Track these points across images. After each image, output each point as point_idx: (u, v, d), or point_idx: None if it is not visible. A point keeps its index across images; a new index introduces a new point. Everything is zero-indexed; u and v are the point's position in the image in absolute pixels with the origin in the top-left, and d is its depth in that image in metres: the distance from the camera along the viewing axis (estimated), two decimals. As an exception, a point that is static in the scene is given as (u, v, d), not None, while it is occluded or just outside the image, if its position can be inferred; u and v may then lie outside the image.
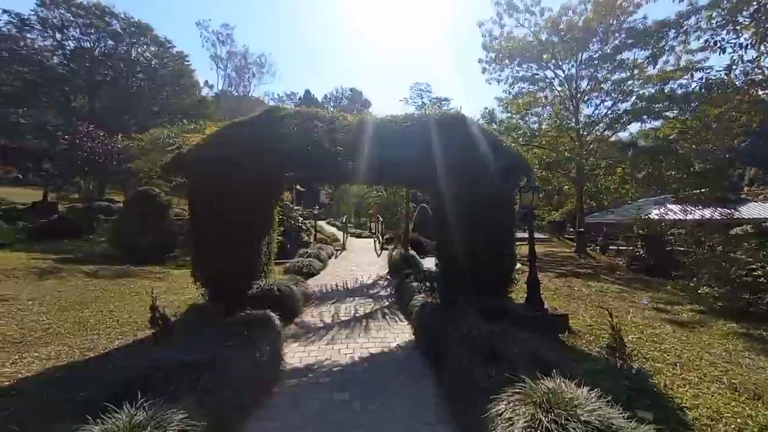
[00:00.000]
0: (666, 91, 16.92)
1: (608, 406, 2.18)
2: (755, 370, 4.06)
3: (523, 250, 7.28)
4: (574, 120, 19.61)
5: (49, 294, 7.05)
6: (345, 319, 5.72)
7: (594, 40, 17.53)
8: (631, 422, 2.09)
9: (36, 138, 29.18)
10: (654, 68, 16.20)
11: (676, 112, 17.35)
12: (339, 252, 14.69)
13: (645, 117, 17.17)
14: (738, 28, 12.08)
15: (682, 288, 7.81)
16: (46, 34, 29.46)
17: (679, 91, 16.43)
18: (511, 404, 2.21)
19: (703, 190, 15.64)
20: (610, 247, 24.27)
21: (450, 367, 3.36)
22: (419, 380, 3.71)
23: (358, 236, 21.64)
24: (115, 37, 32.20)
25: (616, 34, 17.78)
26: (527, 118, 21.18)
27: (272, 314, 4.63)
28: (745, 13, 11.58)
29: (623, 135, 20.92)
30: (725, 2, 14.30)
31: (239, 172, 5.73)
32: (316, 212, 21.62)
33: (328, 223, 27.04)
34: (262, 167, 5.89)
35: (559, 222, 31.66)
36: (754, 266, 6.58)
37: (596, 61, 17.54)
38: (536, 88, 20.59)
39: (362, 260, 12.70)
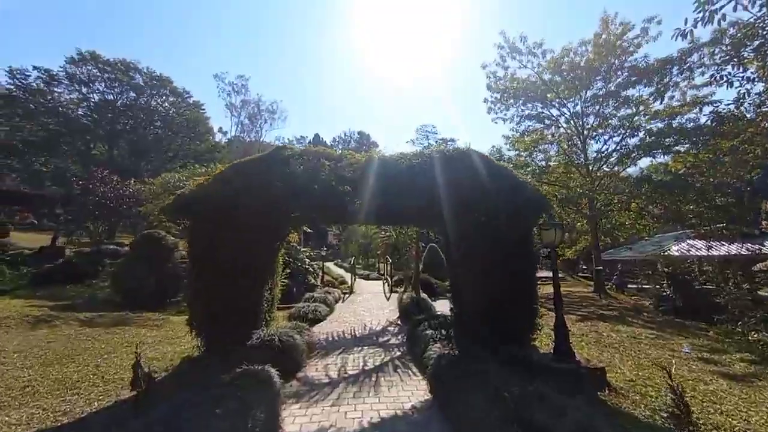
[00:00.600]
0: (674, 125, 16.87)
1: None
2: None
3: (543, 290, 6.72)
4: (582, 156, 19.51)
5: (38, 345, 6.62)
6: (353, 373, 5.13)
7: (597, 78, 17.82)
8: None
9: (56, 185, 30.11)
10: (661, 103, 16.24)
11: (686, 146, 17.17)
12: (347, 295, 14.09)
13: (655, 151, 16.94)
14: (744, 62, 12.09)
15: (727, 334, 7.04)
16: (72, 88, 31.30)
17: (689, 125, 16.37)
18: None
19: (725, 225, 14.98)
20: (628, 285, 23.16)
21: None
22: (440, 455, 3.12)
23: (367, 278, 21.00)
24: (137, 90, 34.14)
25: (618, 73, 18.12)
26: (534, 155, 21.17)
27: (271, 370, 4.14)
28: (748, 48, 11.63)
29: (632, 170, 20.70)
30: (727, 39, 14.57)
31: (243, 211, 5.48)
32: (323, 254, 21.24)
33: (335, 264, 26.53)
34: (268, 207, 5.65)
35: (572, 260, 30.65)
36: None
37: (601, 99, 17.71)
38: (542, 126, 20.76)
39: (371, 304, 12.07)
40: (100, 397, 4.48)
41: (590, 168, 19.10)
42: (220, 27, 72.77)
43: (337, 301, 11.83)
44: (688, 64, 16.08)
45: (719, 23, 6.31)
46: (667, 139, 16.42)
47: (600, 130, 19.08)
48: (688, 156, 16.66)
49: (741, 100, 11.45)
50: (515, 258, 5.54)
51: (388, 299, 13.13)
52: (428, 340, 5.45)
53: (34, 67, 29.46)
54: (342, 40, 79.10)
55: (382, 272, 21.18)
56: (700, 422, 3.41)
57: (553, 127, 21.06)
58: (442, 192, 5.83)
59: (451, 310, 6.58)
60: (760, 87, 11.39)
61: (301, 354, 5.35)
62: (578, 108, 19.30)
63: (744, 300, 8.37)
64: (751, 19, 10.18)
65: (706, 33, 15.95)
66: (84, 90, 31.86)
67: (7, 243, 17.93)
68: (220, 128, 53.29)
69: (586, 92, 18.99)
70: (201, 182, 5.57)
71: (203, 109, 38.70)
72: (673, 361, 5.54)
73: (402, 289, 13.51)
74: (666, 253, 19.62)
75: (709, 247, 14.69)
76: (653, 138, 16.79)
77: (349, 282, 16.12)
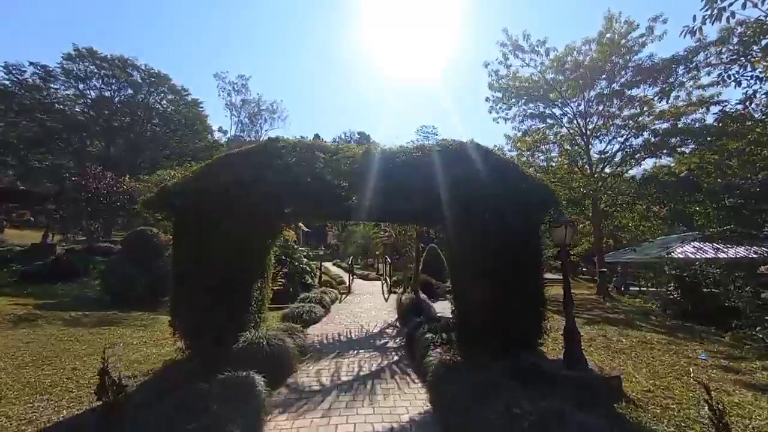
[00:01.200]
0: (680, 126, 16.54)
1: None
2: None
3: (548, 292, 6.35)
4: (585, 157, 19.18)
5: (16, 346, 6.26)
6: (347, 379, 4.77)
7: (601, 77, 17.50)
8: None
9: (52, 182, 29.77)
10: (667, 103, 15.90)
11: (691, 147, 16.84)
12: (344, 296, 13.73)
13: (661, 152, 16.61)
14: (752, 61, 11.74)
15: (745, 339, 6.68)
16: (69, 84, 30.97)
17: (696, 126, 16.04)
18: None
19: (732, 227, 14.62)
20: (630, 288, 22.82)
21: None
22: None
23: (365, 278, 20.64)
24: (135, 87, 33.82)
25: (623, 72, 17.79)
26: (536, 156, 20.84)
27: (256, 377, 3.78)
28: (755, 47, 11.31)
29: (635, 172, 20.37)
30: (734, 37, 14.23)
31: (231, 206, 5.12)
32: (321, 253, 20.87)
33: (334, 264, 26.17)
34: (258, 201, 5.29)
35: (572, 262, 30.33)
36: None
37: (605, 98, 17.37)
38: (545, 125, 20.43)
39: (369, 305, 11.71)
40: (71, 404, 4.12)
41: (593, 168, 18.78)
42: (220, 27, 72.50)
43: (333, 302, 11.47)
44: (694, 63, 15.76)
45: (728, 20, 6.02)
46: (672, 140, 16.11)
47: (603, 130, 18.77)
48: (692, 157, 16.33)
49: (748, 100, 11.13)
50: (522, 257, 5.19)
51: (386, 300, 12.77)
52: (428, 344, 5.09)
53: (31, 63, 29.22)
54: (343, 40, 78.90)
55: (380, 272, 20.83)
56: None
57: (555, 126, 20.75)
58: (443, 187, 5.47)
59: (452, 312, 6.21)
60: (768, 86, 11.04)
61: (292, 358, 4.99)
62: (581, 107, 18.98)
63: (757, 303, 8.03)
64: (761, 17, 9.86)
65: (713, 32, 15.59)
66: (81, 86, 31.56)
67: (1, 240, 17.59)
68: (220, 127, 52.99)
69: (589, 92, 18.68)
70: (187, 174, 5.21)
71: (202, 107, 38.44)
72: (690, 369, 5.18)
73: (401, 290, 13.14)
74: (670, 256, 19.29)
75: (717, 250, 14.30)
76: (658, 138, 16.48)
77: (347, 282, 15.75)
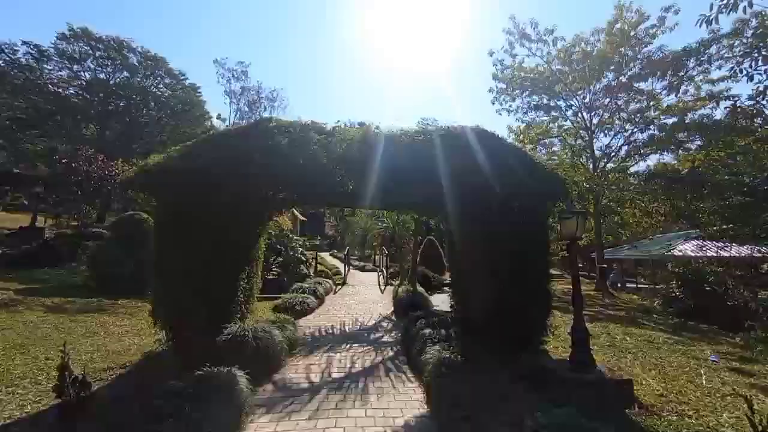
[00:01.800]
0: (687, 121, 16.14)
1: None
2: None
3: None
4: (589, 151, 18.81)
5: (-9, 332, 5.92)
6: (338, 376, 4.46)
7: (609, 69, 17.00)
8: None
9: (45, 165, 29.15)
10: (675, 96, 15.48)
11: (697, 143, 16.48)
12: (339, 286, 13.43)
13: (667, 147, 16.24)
14: (765, 54, 11.31)
15: (758, 340, 6.42)
16: (62, 65, 30.15)
17: (704, 121, 15.65)
18: None
19: (737, 225, 14.35)
20: (627, 284, 22.66)
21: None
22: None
23: (362, 269, 20.36)
24: (131, 69, 32.95)
25: (631, 65, 17.33)
26: (538, 150, 20.44)
27: (238, 374, 3.47)
28: (769, 40, 10.92)
29: (637, 168, 20.00)
30: (749, 30, 13.76)
31: (216, 188, 4.75)
32: (318, 243, 20.54)
33: (331, 255, 25.89)
34: (245, 184, 4.92)
35: (567, 257, 30.13)
36: None
37: (614, 90, 16.91)
38: (549, 118, 20.00)
39: (364, 297, 11.42)
40: (38, 398, 3.78)
41: (596, 164, 18.41)
42: (221, 14, 70.88)
43: (328, 293, 11.17)
44: (706, 56, 15.31)
45: (744, 11, 5.67)
46: (680, 135, 15.72)
47: (609, 124, 18.34)
48: (697, 154, 15.96)
49: (760, 95, 10.72)
50: (528, 250, 4.86)
51: (382, 292, 12.48)
52: (426, 340, 4.78)
53: (24, 42, 28.31)
54: (345, 30, 77.43)
55: (377, 264, 20.56)
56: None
57: (559, 120, 20.33)
58: (446, 174, 5.11)
59: (451, 306, 5.92)
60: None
61: (280, 352, 4.67)
62: (587, 100, 18.53)
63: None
64: (777, 9, 9.41)
65: (727, 24, 15.11)
66: (75, 68, 30.68)
67: (-14, 222, 17.16)
68: (219, 115, 51.94)
69: (596, 84, 18.22)
70: (170, 153, 4.82)
71: (199, 93, 37.58)
72: (702, 371, 4.90)
73: (398, 282, 12.86)
74: (670, 253, 19.07)
75: (720, 248, 14.05)
76: (665, 133, 16.09)
77: (343, 272, 15.45)
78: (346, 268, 16.06)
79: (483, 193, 4.97)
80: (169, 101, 35.26)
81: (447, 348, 4.38)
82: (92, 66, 31.38)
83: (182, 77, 35.91)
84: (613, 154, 18.03)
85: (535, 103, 19.74)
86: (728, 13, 5.65)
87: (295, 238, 15.45)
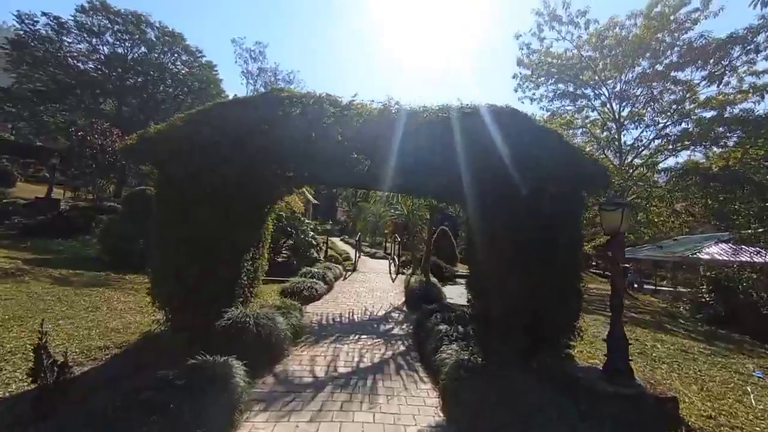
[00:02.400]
0: (726, 115, 15.02)
1: None
2: None
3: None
4: (616, 144, 17.86)
5: (-7, 302, 5.78)
6: (344, 371, 4.11)
7: (646, 56, 15.89)
8: None
9: (67, 139, 29.54)
10: (718, 87, 14.37)
11: (734, 140, 15.36)
12: (349, 273, 13.14)
13: (705, 142, 15.19)
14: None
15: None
16: (81, 38, 30.13)
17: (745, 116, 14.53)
18: None
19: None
20: (644, 286, 21.82)
21: None
22: None
23: (373, 256, 20.08)
24: (148, 45, 32.80)
25: (668, 53, 16.19)
26: (562, 140, 19.52)
27: (235, 364, 3.13)
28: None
29: (666, 165, 18.93)
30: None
31: (223, 162, 4.37)
32: (329, 228, 20.25)
33: (342, 240, 25.67)
34: (254, 158, 4.53)
35: (585, 255, 29.19)
36: None
37: (650, 78, 15.83)
38: (574, 108, 19.03)
39: (375, 285, 11.09)
40: (23, 378, 3.54)
41: (623, 158, 17.47)
42: (240, -13, 69.80)
43: (337, 279, 10.87)
44: (753, 45, 14.12)
45: None
46: (719, 129, 14.65)
47: (639, 116, 17.29)
48: (733, 152, 14.85)
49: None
50: (559, 244, 4.37)
51: (393, 280, 12.14)
52: (441, 338, 4.39)
53: (43, 14, 28.33)
54: (362, 15, 75.53)
55: (389, 251, 20.22)
56: None
57: (585, 110, 19.32)
58: (471, 156, 4.62)
59: (469, 301, 5.49)
60: None
61: (283, 341, 4.35)
62: (617, 89, 17.48)
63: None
64: None
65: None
66: (94, 41, 30.67)
67: (5, 192, 17.38)
68: (235, 95, 51.86)
69: (628, 72, 17.14)
70: (172, 122, 4.45)
71: (216, 71, 37.27)
72: (749, 389, 4.39)
73: (410, 271, 12.49)
74: (695, 256, 18.15)
75: (756, 253, 13.18)
76: (702, 127, 15.03)
77: (354, 259, 15.15)
78: (357, 255, 15.75)
79: (510, 179, 4.47)
80: (186, 78, 35.15)
81: (465, 348, 3.99)
82: (110, 40, 31.34)
83: (199, 54, 35.65)
84: (642, 148, 17.05)
85: (561, 91, 18.79)
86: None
87: (306, 221, 15.18)
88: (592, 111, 18.67)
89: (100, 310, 5.99)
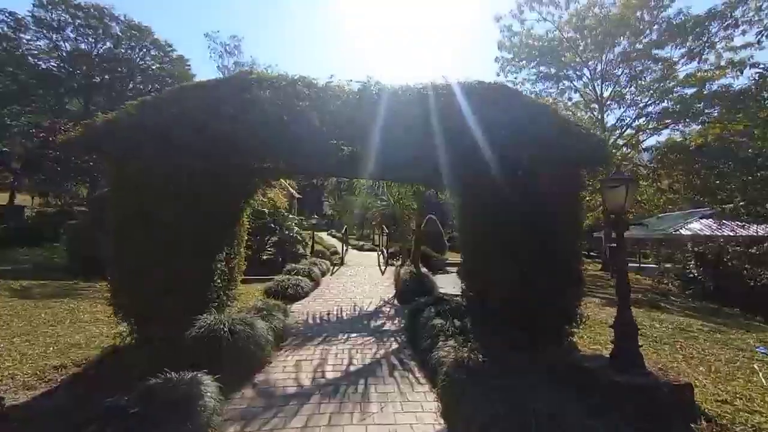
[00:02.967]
0: (705, 92, 15.09)
1: None
2: None
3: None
4: (599, 125, 17.81)
5: (-64, 322, 5.19)
6: (333, 377, 3.75)
7: (627, 34, 15.77)
8: None
9: (32, 142, 27.92)
10: (698, 63, 14.39)
11: (715, 116, 15.47)
12: (337, 267, 12.75)
13: (684, 119, 15.25)
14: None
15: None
16: (41, 35, 28.40)
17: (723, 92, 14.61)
18: None
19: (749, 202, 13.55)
20: (629, 264, 22.07)
21: None
22: None
23: (360, 248, 19.70)
24: (114, 40, 31.17)
25: (647, 31, 16.12)
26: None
27: (204, 380, 2.74)
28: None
29: (648, 144, 19.03)
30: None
31: (183, 151, 3.90)
32: (314, 222, 19.75)
33: (329, 234, 25.17)
34: (218, 149, 4.06)
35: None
36: None
37: (632, 56, 15.73)
38: (557, 90, 18.88)
39: (363, 278, 10.74)
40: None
41: (607, 138, 17.45)
42: (210, -22, 66.83)
43: (324, 274, 10.47)
44: (732, 19, 14.14)
45: None
46: (698, 105, 14.71)
47: (621, 97, 17.25)
48: (712, 128, 14.93)
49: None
50: (558, 226, 4.08)
51: (383, 273, 11.81)
52: (437, 333, 4.07)
53: (-1, 10, 26.52)
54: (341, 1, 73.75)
55: (376, 243, 19.89)
56: None
57: (568, 92, 19.21)
58: (459, 137, 4.27)
59: (463, 292, 5.18)
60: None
61: (264, 348, 3.94)
62: (599, 70, 17.37)
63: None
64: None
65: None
66: (54, 37, 28.97)
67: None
68: (209, 89, 50.02)
69: (609, 52, 17.02)
70: (125, 109, 3.93)
71: (188, 65, 35.80)
72: (756, 366, 4.23)
73: (399, 262, 12.17)
74: (678, 233, 18.40)
75: (740, 227, 13.35)
76: (682, 104, 15.07)
77: (341, 252, 14.75)
78: (344, 248, 15.36)
79: (503, 158, 4.14)
80: (156, 74, 33.64)
81: (463, 343, 3.67)
82: (72, 35, 29.69)
83: (170, 49, 34.17)
84: (626, 127, 17.05)
85: (543, 73, 18.60)
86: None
87: (291, 216, 14.67)
88: (575, 92, 18.57)
89: (62, 324, 5.46)
